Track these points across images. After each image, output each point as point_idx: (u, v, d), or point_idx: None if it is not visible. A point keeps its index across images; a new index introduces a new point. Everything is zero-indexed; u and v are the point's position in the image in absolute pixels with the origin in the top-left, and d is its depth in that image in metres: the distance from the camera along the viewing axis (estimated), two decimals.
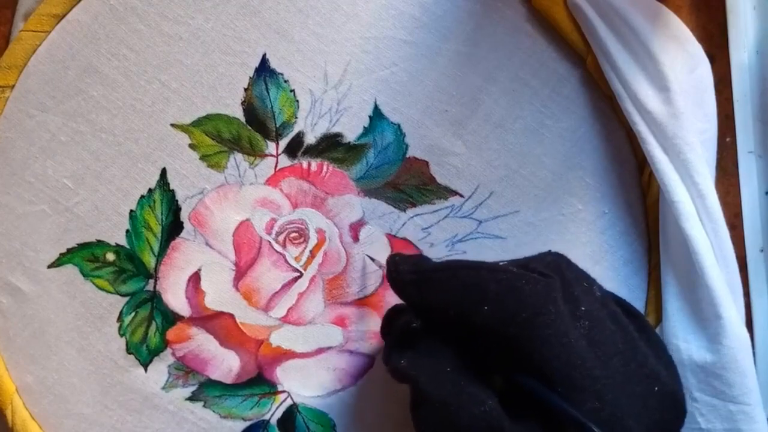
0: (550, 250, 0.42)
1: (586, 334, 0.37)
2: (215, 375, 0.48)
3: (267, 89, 0.47)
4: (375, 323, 0.48)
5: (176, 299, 0.48)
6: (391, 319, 0.43)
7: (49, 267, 0.47)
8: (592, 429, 0.34)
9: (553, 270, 0.39)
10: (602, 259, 0.48)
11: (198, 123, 0.47)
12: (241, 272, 0.48)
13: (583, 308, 0.38)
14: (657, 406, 0.37)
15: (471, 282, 0.37)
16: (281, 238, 0.48)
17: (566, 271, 0.39)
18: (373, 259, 0.48)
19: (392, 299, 0.48)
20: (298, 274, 0.48)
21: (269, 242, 0.48)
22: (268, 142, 0.47)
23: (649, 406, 0.37)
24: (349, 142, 0.47)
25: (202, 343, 0.48)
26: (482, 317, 0.36)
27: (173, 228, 0.48)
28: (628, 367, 0.37)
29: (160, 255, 0.48)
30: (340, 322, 0.48)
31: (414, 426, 0.38)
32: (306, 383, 0.49)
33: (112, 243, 0.47)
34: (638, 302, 0.48)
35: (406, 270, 0.39)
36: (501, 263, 0.39)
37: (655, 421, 0.37)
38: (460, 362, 0.38)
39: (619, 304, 0.41)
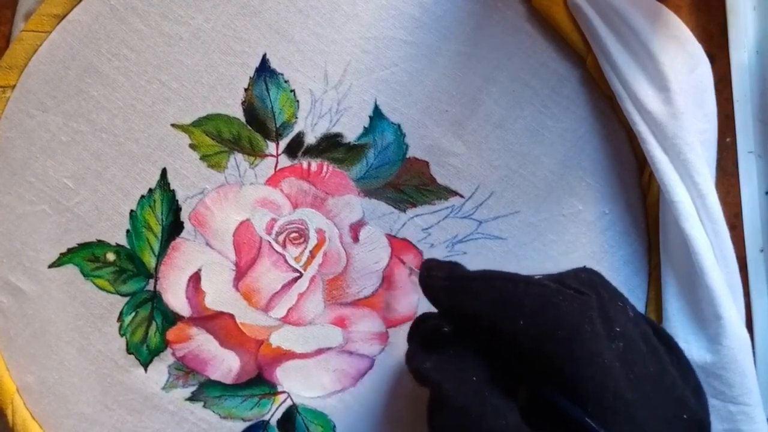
0: (585, 266, 0.41)
1: (620, 355, 0.36)
2: (215, 375, 0.48)
3: (267, 89, 0.47)
4: (375, 324, 0.48)
5: (176, 299, 0.48)
6: (419, 324, 0.42)
7: (49, 267, 0.47)
8: None
9: (588, 287, 0.38)
10: (602, 259, 0.48)
11: (198, 123, 0.47)
12: (241, 272, 0.48)
13: (617, 329, 0.37)
14: None
15: (507, 293, 0.37)
16: (281, 238, 0.48)
17: (601, 289, 0.39)
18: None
19: (393, 300, 0.48)
20: (298, 274, 0.48)
21: (269, 242, 0.48)
22: (268, 142, 0.47)
23: (677, 431, 0.37)
24: (350, 143, 0.47)
25: (202, 343, 0.48)
26: (516, 331, 0.36)
27: (173, 228, 0.48)
28: (658, 391, 0.37)
29: (161, 255, 0.48)
30: (340, 322, 0.48)
31: (429, 429, 0.38)
32: (306, 384, 0.49)
33: (113, 243, 0.47)
34: (638, 302, 0.48)
35: (439, 276, 0.39)
36: (536, 277, 0.39)
37: None
38: (486, 373, 0.37)
39: (650, 324, 0.41)
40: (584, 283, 0.39)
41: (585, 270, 0.41)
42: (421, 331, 0.41)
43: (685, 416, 0.37)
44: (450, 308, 0.39)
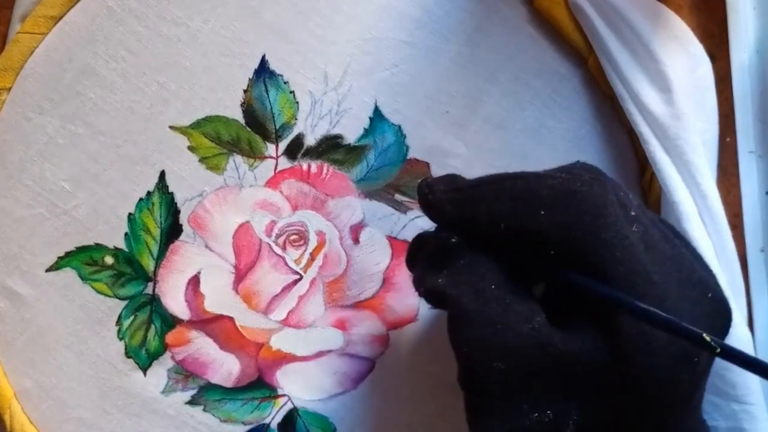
0: (578, 160, 0.39)
1: (642, 238, 0.35)
2: (215, 379, 0.48)
3: (266, 91, 0.47)
4: (376, 326, 0.48)
5: (175, 302, 0.48)
6: (420, 245, 0.39)
7: (47, 271, 0.47)
8: (648, 309, 0.33)
9: (598, 173, 0.37)
10: None
11: (197, 125, 0.47)
12: (240, 275, 0.48)
13: (632, 213, 0.36)
14: (710, 312, 0.36)
15: (522, 190, 0.35)
16: (281, 240, 0.48)
17: (604, 177, 0.37)
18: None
19: (393, 302, 0.48)
20: (298, 276, 0.48)
21: (269, 245, 0.48)
22: (267, 143, 0.47)
23: (703, 311, 0.35)
24: (350, 144, 0.47)
25: (202, 346, 0.48)
26: (539, 224, 0.34)
27: (172, 231, 0.47)
28: (680, 272, 0.36)
29: (159, 258, 0.47)
30: (341, 325, 0.48)
31: (455, 351, 0.35)
32: (306, 387, 0.48)
33: (111, 246, 0.47)
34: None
35: (441, 189, 0.37)
36: (541, 172, 0.37)
37: (710, 326, 0.35)
38: (503, 278, 0.35)
39: (653, 212, 0.40)
40: (590, 171, 0.37)
41: (580, 162, 0.39)
42: (424, 250, 0.39)
43: (710, 295, 0.36)
44: (462, 220, 0.36)
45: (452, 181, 0.37)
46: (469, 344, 0.34)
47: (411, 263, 0.40)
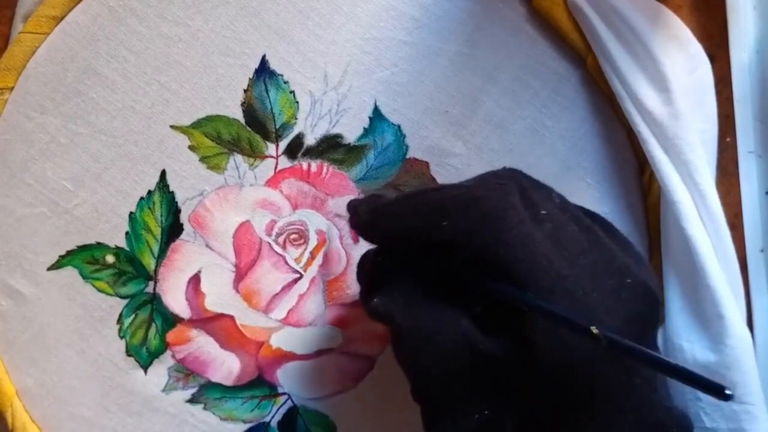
0: (504, 166, 0.41)
1: (550, 235, 0.36)
2: (215, 377, 0.48)
3: (267, 90, 0.47)
4: (376, 325, 0.48)
5: (176, 301, 0.48)
6: (362, 264, 0.42)
7: (48, 269, 0.47)
8: (538, 304, 0.34)
9: (508, 179, 0.38)
10: None
11: (197, 124, 0.47)
12: (241, 274, 0.48)
13: (543, 212, 0.37)
14: (630, 298, 0.36)
15: (428, 204, 0.37)
16: (281, 239, 0.48)
17: (522, 179, 0.39)
18: None
19: None
20: (299, 275, 0.48)
21: (269, 244, 0.48)
22: (267, 143, 0.47)
23: (622, 298, 0.36)
24: (349, 143, 0.47)
25: (202, 345, 0.48)
26: (444, 233, 0.36)
27: (173, 230, 0.47)
28: (596, 264, 0.37)
29: (160, 257, 0.48)
30: (341, 323, 0.48)
31: (401, 366, 0.38)
32: (306, 385, 0.48)
33: (112, 245, 0.47)
34: None
35: (364, 210, 0.39)
36: (451, 184, 0.39)
37: (630, 313, 0.36)
38: (431, 290, 0.37)
39: (581, 209, 0.41)
40: (503, 177, 0.39)
41: (505, 168, 0.40)
42: (365, 270, 0.41)
43: (628, 280, 0.37)
44: (380, 238, 0.38)
45: (373, 201, 0.39)
46: (408, 357, 0.37)
47: (358, 280, 0.42)
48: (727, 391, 0.29)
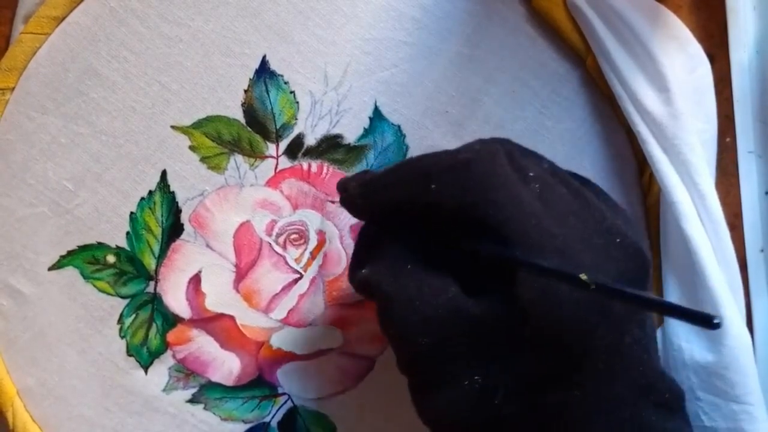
0: (492, 137, 0.41)
1: (538, 195, 0.36)
2: (216, 377, 0.48)
3: (267, 91, 0.47)
4: (375, 325, 0.48)
5: (177, 301, 0.48)
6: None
7: (49, 269, 0.47)
8: (526, 260, 0.34)
9: (496, 144, 0.38)
10: None
11: (198, 125, 0.47)
12: (241, 274, 0.48)
13: (531, 174, 0.37)
14: (620, 257, 0.36)
15: (415, 170, 0.37)
16: (281, 239, 0.48)
17: (510, 146, 0.39)
18: None
19: None
20: (299, 275, 0.48)
21: (269, 244, 0.48)
22: (268, 143, 0.47)
23: (612, 257, 0.36)
24: (350, 144, 0.47)
25: (203, 345, 0.48)
26: (432, 196, 0.36)
27: (174, 230, 0.48)
28: (586, 223, 0.37)
29: (161, 257, 0.48)
30: (341, 323, 0.48)
31: (387, 337, 0.38)
32: (306, 385, 0.49)
33: (113, 245, 0.47)
34: None
35: (353, 185, 0.39)
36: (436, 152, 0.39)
37: (620, 271, 0.36)
38: (418, 256, 0.37)
39: (572, 174, 0.41)
40: (490, 142, 0.39)
41: (494, 138, 0.40)
42: (354, 247, 0.41)
43: (618, 240, 0.37)
44: (371, 210, 0.38)
45: (362, 175, 0.39)
46: (395, 325, 0.36)
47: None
48: (716, 320, 0.28)
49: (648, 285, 0.39)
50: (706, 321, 0.29)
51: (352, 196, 0.38)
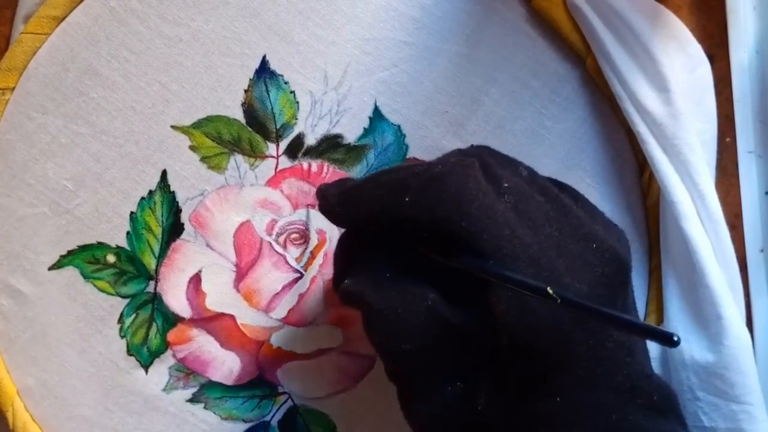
0: (472, 144, 0.41)
1: (513, 206, 0.37)
2: (216, 376, 0.48)
3: (267, 91, 0.47)
4: None
5: (177, 301, 0.48)
6: (336, 250, 0.42)
7: (49, 269, 0.47)
8: (496, 270, 0.34)
9: (472, 155, 0.39)
10: None
11: (198, 125, 0.47)
12: (241, 273, 0.48)
13: (506, 185, 0.37)
14: (597, 262, 0.37)
15: (390, 182, 0.37)
16: (282, 239, 0.48)
17: (487, 156, 0.39)
18: None
19: None
20: (299, 275, 0.48)
21: (270, 243, 0.48)
22: (268, 143, 0.47)
23: (588, 262, 0.36)
24: (350, 143, 0.47)
25: (203, 344, 0.48)
26: (406, 210, 0.36)
27: (174, 229, 0.48)
28: (561, 231, 0.37)
29: (161, 257, 0.48)
30: (341, 323, 0.48)
31: (373, 346, 0.38)
32: (307, 385, 0.49)
33: (113, 245, 0.47)
34: (639, 303, 0.48)
35: (332, 193, 0.39)
36: (411, 164, 0.39)
37: (597, 277, 0.36)
38: (400, 265, 0.37)
39: (551, 180, 0.41)
40: (467, 153, 0.39)
41: (473, 146, 0.41)
42: (335, 255, 0.41)
43: (594, 245, 0.37)
44: (349, 219, 0.39)
45: (341, 184, 0.39)
46: (379, 334, 0.37)
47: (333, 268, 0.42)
48: (675, 338, 0.30)
49: (628, 288, 0.39)
50: (666, 339, 0.30)
51: (330, 204, 0.39)
